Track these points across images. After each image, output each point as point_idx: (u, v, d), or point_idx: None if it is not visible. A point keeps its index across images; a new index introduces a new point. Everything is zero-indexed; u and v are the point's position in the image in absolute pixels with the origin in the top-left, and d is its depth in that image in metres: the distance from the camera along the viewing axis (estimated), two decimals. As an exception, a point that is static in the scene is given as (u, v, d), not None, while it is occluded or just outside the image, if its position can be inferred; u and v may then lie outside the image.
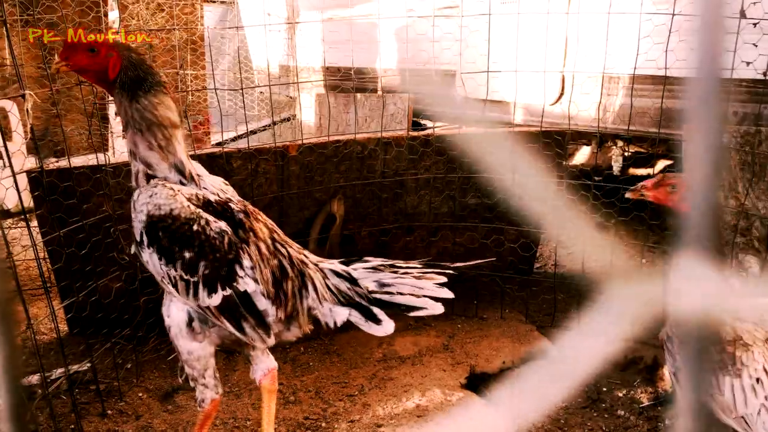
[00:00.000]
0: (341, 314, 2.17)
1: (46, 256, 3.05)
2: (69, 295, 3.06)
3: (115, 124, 6.07)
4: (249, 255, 2.02)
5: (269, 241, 2.11)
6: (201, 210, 2.00)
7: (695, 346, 0.46)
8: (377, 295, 2.15)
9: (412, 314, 2.14)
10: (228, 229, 2.02)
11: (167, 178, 2.04)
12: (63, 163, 2.98)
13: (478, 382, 3.06)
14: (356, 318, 2.15)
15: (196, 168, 2.14)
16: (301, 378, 3.01)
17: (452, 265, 2.21)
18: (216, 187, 2.17)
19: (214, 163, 3.31)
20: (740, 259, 2.88)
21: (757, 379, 1.82)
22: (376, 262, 2.25)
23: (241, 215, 2.09)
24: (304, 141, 3.38)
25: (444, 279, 2.18)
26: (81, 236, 2.83)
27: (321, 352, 3.24)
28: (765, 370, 1.82)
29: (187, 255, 1.95)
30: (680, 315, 0.45)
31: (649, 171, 5.45)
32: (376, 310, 2.13)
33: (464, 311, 3.62)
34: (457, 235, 3.82)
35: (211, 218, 2.00)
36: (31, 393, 2.63)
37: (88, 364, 2.87)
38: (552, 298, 3.67)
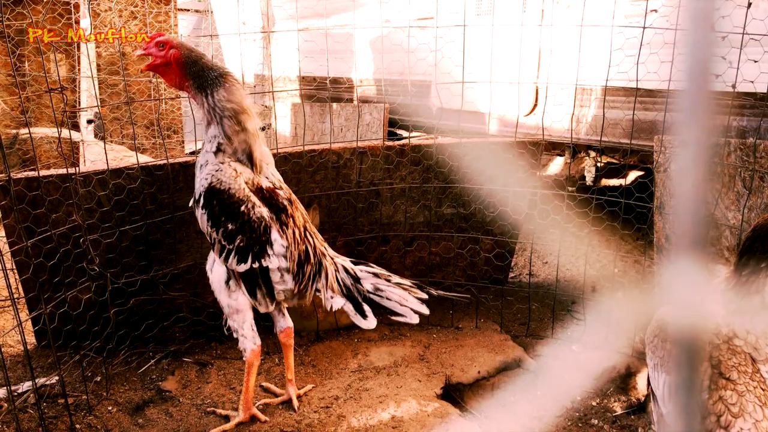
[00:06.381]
0: (338, 302, 2.59)
1: (14, 267, 2.98)
2: (37, 307, 2.99)
3: (86, 132, 5.97)
4: (286, 237, 2.46)
5: (302, 229, 2.54)
6: (252, 194, 2.41)
7: (685, 353, 0.46)
8: (371, 296, 2.61)
9: (393, 318, 2.61)
10: (267, 216, 2.43)
11: (238, 158, 2.44)
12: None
13: (453, 392, 3.06)
14: (349, 309, 2.58)
15: (266, 156, 2.55)
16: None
17: (434, 291, 2.69)
18: (275, 176, 2.57)
19: (188, 171, 3.27)
20: (710, 269, 2.92)
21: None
22: (378, 269, 2.70)
23: (286, 202, 2.51)
24: (280, 150, 3.36)
25: (425, 296, 2.62)
26: (49, 246, 2.77)
27: (296, 363, 3.21)
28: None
29: (229, 226, 2.37)
30: (670, 319, 0.45)
31: (621, 182, 5.52)
32: (366, 308, 2.59)
33: (440, 321, 3.62)
34: (433, 245, 3.83)
35: (258, 203, 2.41)
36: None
37: (56, 377, 2.81)
38: (526, 308, 3.69)
